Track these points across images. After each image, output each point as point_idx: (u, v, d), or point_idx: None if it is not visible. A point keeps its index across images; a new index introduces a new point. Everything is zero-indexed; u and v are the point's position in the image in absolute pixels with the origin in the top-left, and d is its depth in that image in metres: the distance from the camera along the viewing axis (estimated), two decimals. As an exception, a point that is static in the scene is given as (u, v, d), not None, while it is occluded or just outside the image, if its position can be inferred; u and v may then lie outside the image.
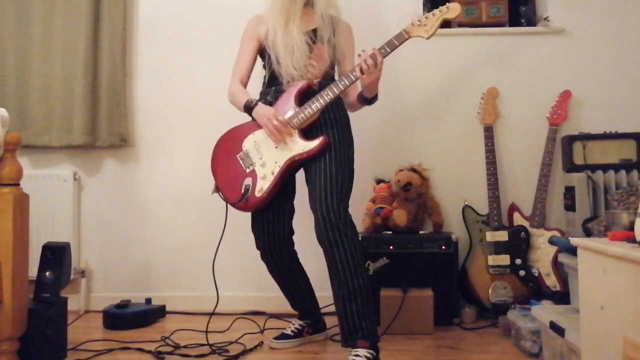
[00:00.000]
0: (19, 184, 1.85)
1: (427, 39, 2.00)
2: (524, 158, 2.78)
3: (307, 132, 2.05)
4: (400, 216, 2.57)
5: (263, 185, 2.04)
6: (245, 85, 2.21)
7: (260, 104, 2.09)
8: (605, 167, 2.54)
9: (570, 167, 2.61)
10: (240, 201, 2.06)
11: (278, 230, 2.18)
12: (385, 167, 2.77)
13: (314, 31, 2.13)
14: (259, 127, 2.08)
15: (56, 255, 2.04)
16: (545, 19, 2.81)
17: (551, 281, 2.53)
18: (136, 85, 2.94)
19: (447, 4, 2.02)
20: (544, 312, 1.95)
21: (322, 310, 2.44)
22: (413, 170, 2.64)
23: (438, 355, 2.08)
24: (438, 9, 2.01)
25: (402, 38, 1.99)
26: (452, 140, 2.82)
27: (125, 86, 2.89)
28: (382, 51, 1.96)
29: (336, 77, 2.19)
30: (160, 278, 2.89)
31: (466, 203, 2.70)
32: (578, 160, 2.61)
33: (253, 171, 2.07)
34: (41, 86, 2.83)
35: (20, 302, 1.81)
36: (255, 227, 2.21)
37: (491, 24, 2.84)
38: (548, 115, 2.71)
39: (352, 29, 2.26)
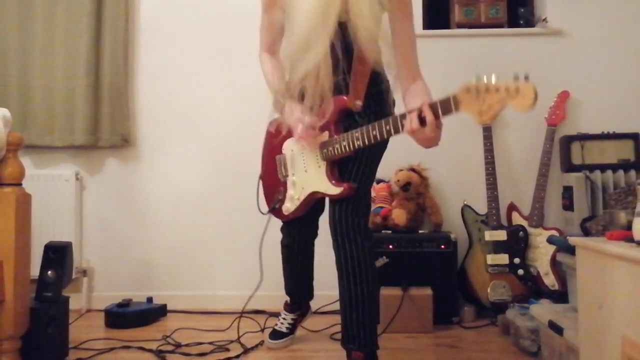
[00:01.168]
0: (21, 184, 1.86)
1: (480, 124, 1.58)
2: (523, 158, 2.79)
3: (337, 164, 1.77)
4: (399, 216, 2.58)
5: (290, 206, 1.90)
6: (277, 51, 1.85)
7: (289, 104, 1.77)
8: (603, 167, 2.55)
9: (569, 167, 2.63)
10: (270, 212, 1.97)
11: (309, 224, 2.06)
12: (384, 167, 2.73)
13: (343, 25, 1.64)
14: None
15: (58, 255, 2.04)
16: (543, 20, 2.82)
17: (550, 280, 2.54)
18: (138, 85, 2.95)
19: (518, 82, 1.38)
20: (543, 311, 1.96)
21: (322, 310, 2.45)
22: (412, 170, 2.66)
23: (437, 354, 2.09)
24: (505, 84, 1.39)
25: (449, 108, 1.53)
26: (451, 140, 2.81)
27: (127, 86, 2.90)
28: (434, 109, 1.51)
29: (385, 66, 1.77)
30: (162, 277, 2.90)
31: (465, 203, 2.71)
32: (576, 160, 2.62)
33: (285, 183, 1.91)
34: (43, 86, 2.84)
35: (22, 301, 1.81)
36: (287, 221, 2.06)
37: (490, 25, 2.85)
38: (546, 116, 2.72)
39: None
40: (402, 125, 1.54)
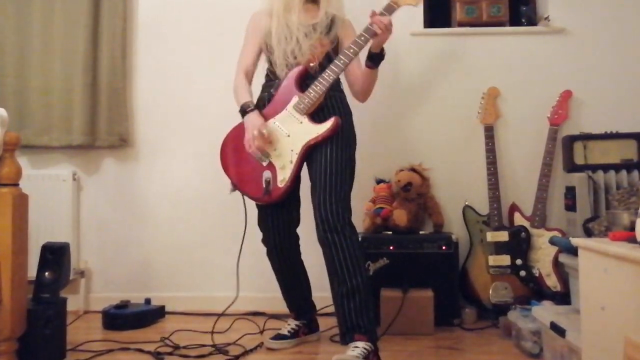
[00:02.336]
0: (18, 184, 1.85)
1: (415, 5, 2.12)
2: (525, 158, 2.77)
3: (315, 117, 2.05)
4: (400, 216, 2.57)
5: (285, 175, 2.03)
6: (251, 76, 2.22)
7: (252, 113, 2.09)
8: (606, 167, 2.54)
9: (571, 167, 2.61)
10: (265, 195, 2.05)
11: (287, 223, 2.19)
12: (385, 167, 2.76)
13: (315, 25, 2.15)
14: (272, 116, 2.09)
15: (55, 256, 2.04)
16: (545, 18, 2.80)
17: (552, 281, 2.52)
18: (136, 85, 2.94)
19: None
20: (545, 312, 1.95)
21: (322, 311, 2.44)
22: (413, 170, 2.64)
23: (438, 356, 2.07)
24: None
25: (392, 9, 2.06)
26: (452, 140, 2.82)
27: (125, 86, 2.89)
28: (389, 13, 2.04)
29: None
30: (160, 278, 2.89)
31: (466, 203, 2.70)
32: (579, 160, 2.60)
33: (270, 163, 2.06)
34: (40, 86, 2.83)
35: (19, 302, 1.80)
36: (264, 223, 2.21)
37: (492, 24, 2.83)
38: (549, 115, 2.71)
39: (353, 26, 2.25)
40: (364, 37, 2.01)
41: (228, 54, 2.88)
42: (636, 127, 2.67)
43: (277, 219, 2.17)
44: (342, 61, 2.02)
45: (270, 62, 2.20)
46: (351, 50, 2.02)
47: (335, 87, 2.11)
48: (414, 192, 2.62)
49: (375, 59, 2.08)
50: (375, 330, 1.94)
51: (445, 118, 2.82)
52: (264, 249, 2.25)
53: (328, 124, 2.01)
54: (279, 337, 2.23)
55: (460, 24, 2.85)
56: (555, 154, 2.67)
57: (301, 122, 2.03)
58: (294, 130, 2.04)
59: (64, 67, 2.82)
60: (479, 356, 2.07)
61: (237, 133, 2.14)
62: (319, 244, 1.99)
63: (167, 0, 2.94)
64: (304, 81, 2.08)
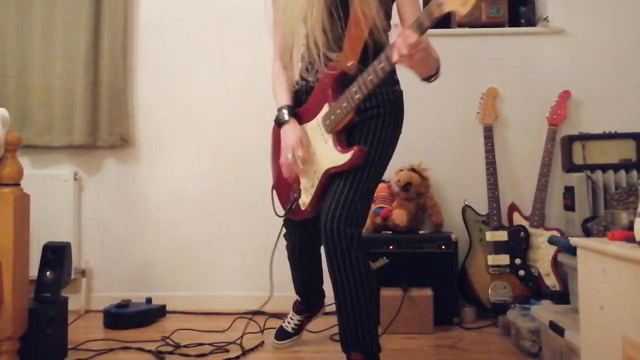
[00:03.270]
0: (19, 184, 1.86)
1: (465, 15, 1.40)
2: (524, 158, 2.78)
3: (345, 134, 1.68)
4: (400, 216, 2.57)
5: (306, 199, 1.75)
6: (288, 60, 1.87)
7: (287, 125, 1.74)
8: (604, 167, 2.54)
9: (570, 167, 2.62)
10: (287, 213, 1.81)
11: (313, 226, 1.85)
12: (385, 167, 2.76)
13: None
14: (306, 121, 1.75)
15: (57, 255, 2.04)
16: (544, 19, 2.81)
17: (551, 281, 2.53)
18: (137, 85, 2.95)
19: None
20: (544, 311, 1.95)
21: (324, 310, 2.44)
22: (413, 170, 2.65)
23: (438, 355, 2.08)
24: None
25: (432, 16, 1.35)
26: (451, 140, 2.82)
27: (126, 86, 2.89)
28: (417, 29, 1.37)
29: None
30: (161, 278, 2.89)
31: (466, 203, 2.70)
32: (577, 160, 2.61)
33: (298, 178, 1.77)
34: (42, 86, 2.83)
35: (20, 301, 1.81)
36: (289, 222, 1.95)
37: (491, 24, 2.84)
38: (547, 115, 2.72)
39: None
40: (391, 54, 1.42)
41: (229, 53, 2.91)
42: (635, 127, 2.68)
43: (303, 222, 1.88)
44: (370, 78, 1.51)
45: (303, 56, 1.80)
46: (382, 67, 1.48)
47: (386, 80, 1.64)
48: (413, 191, 2.63)
49: (426, 79, 1.64)
50: (377, 342, 1.71)
51: (444, 118, 2.83)
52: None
53: (347, 156, 1.62)
54: (283, 335, 2.21)
55: (460, 25, 2.86)
56: (554, 154, 2.67)
57: (325, 142, 1.68)
58: (319, 149, 1.70)
59: (65, 67, 2.83)
60: (478, 355, 2.08)
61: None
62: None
63: (168, 1, 2.95)
64: (342, 84, 1.66)
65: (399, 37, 1.39)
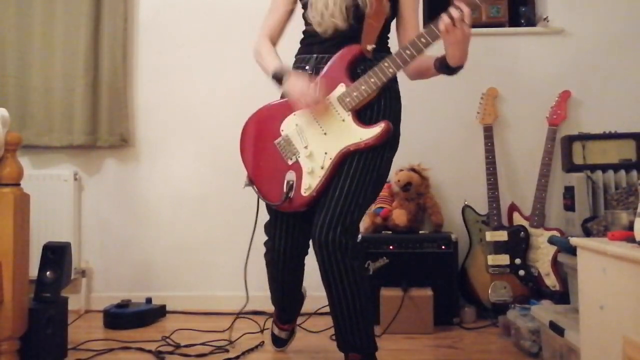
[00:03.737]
0: (19, 184, 1.86)
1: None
2: (524, 158, 2.78)
3: (361, 115, 1.65)
4: (400, 216, 2.57)
5: (311, 182, 1.65)
6: (275, 43, 1.84)
7: (293, 74, 1.68)
8: (604, 167, 2.55)
9: (570, 167, 2.62)
10: (284, 202, 1.68)
11: (302, 231, 1.81)
12: (385, 167, 2.77)
13: None
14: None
15: (57, 255, 2.04)
16: (544, 19, 2.81)
17: (551, 281, 2.53)
18: (137, 85, 2.95)
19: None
20: (544, 311, 1.95)
21: (321, 310, 2.44)
22: (413, 170, 2.65)
23: (438, 355, 2.08)
24: None
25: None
26: (452, 140, 2.82)
27: (125, 86, 2.89)
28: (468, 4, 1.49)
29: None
30: (161, 278, 2.89)
31: (466, 203, 2.70)
32: (577, 160, 2.61)
33: (297, 163, 1.68)
34: (42, 86, 2.83)
35: (20, 301, 1.81)
36: (272, 227, 1.86)
37: (491, 25, 2.84)
38: (547, 115, 2.72)
39: None
40: (438, 29, 1.52)
41: (229, 53, 2.91)
42: (635, 127, 2.68)
43: (291, 226, 1.81)
44: (409, 53, 1.58)
45: (306, 21, 1.77)
46: (422, 41, 1.57)
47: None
48: (413, 191, 2.63)
49: (447, 69, 1.68)
50: (374, 342, 1.70)
51: (444, 118, 2.83)
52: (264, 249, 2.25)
53: (377, 130, 1.60)
54: (281, 342, 2.16)
55: (460, 25, 2.85)
56: (554, 154, 2.67)
57: (343, 120, 1.63)
58: (333, 129, 1.64)
59: (65, 67, 2.83)
60: (478, 355, 2.08)
61: (265, 115, 1.77)
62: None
63: (168, 1, 2.95)
64: (355, 65, 1.67)
65: (451, 8, 1.48)
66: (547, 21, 2.80)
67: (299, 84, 1.64)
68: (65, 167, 2.88)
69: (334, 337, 2.24)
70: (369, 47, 1.66)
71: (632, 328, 1.22)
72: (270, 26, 1.83)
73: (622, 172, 2.52)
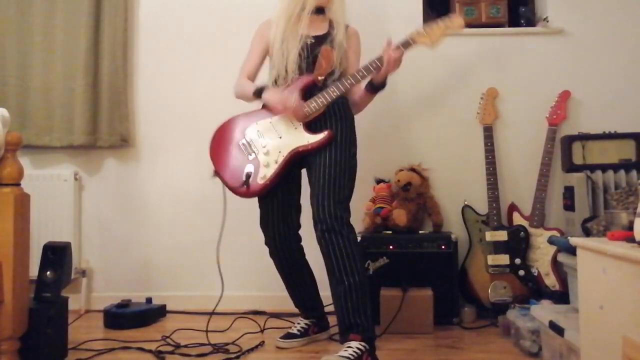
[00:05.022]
0: (19, 184, 1.85)
1: (432, 47, 2.15)
2: (524, 158, 2.78)
3: (311, 126, 2.10)
4: (400, 216, 2.58)
5: (266, 172, 2.08)
6: (252, 80, 2.28)
7: (271, 89, 2.14)
8: (604, 167, 2.55)
9: (570, 167, 2.62)
10: (242, 187, 2.08)
11: (287, 225, 2.21)
12: (385, 167, 2.77)
13: (324, 36, 2.18)
14: (263, 117, 2.15)
15: (57, 255, 2.04)
16: (544, 19, 2.81)
17: (550, 281, 2.53)
18: (137, 85, 2.95)
19: (449, 15, 2.18)
20: (544, 311, 1.95)
21: (325, 310, 2.45)
22: (413, 170, 2.65)
23: (438, 355, 2.08)
24: (441, 20, 2.15)
25: (408, 45, 2.11)
26: (451, 140, 2.82)
27: (126, 86, 2.90)
28: (403, 46, 2.09)
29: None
30: (161, 278, 2.89)
31: (466, 203, 2.71)
32: (577, 160, 2.61)
33: (255, 158, 2.11)
34: (42, 86, 2.83)
35: (21, 301, 1.81)
36: (265, 224, 2.23)
37: (491, 25, 2.84)
38: (547, 115, 2.72)
39: (359, 35, 2.30)
40: (373, 66, 2.07)
41: (229, 53, 2.90)
42: (634, 127, 2.68)
43: (277, 220, 2.20)
44: (349, 82, 2.08)
45: (274, 73, 2.22)
46: (360, 74, 2.08)
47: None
48: (413, 191, 2.63)
49: (376, 87, 2.15)
50: (373, 329, 1.94)
51: (444, 118, 2.83)
52: (265, 248, 2.26)
53: (320, 136, 2.07)
54: (288, 336, 2.23)
55: (460, 25, 2.86)
56: (554, 154, 2.68)
57: (296, 128, 2.11)
58: (287, 134, 2.11)
59: (65, 67, 2.83)
60: (478, 355, 2.08)
61: (232, 125, 2.20)
62: (318, 244, 2.01)
63: (168, 1, 2.95)
64: (308, 90, 2.12)
65: (389, 49, 2.05)
66: (547, 21, 2.80)
67: (277, 94, 2.10)
68: (65, 167, 2.88)
69: (334, 338, 2.26)
70: (320, 78, 2.13)
71: (632, 328, 1.22)
72: (247, 70, 2.28)
73: (622, 172, 2.52)
